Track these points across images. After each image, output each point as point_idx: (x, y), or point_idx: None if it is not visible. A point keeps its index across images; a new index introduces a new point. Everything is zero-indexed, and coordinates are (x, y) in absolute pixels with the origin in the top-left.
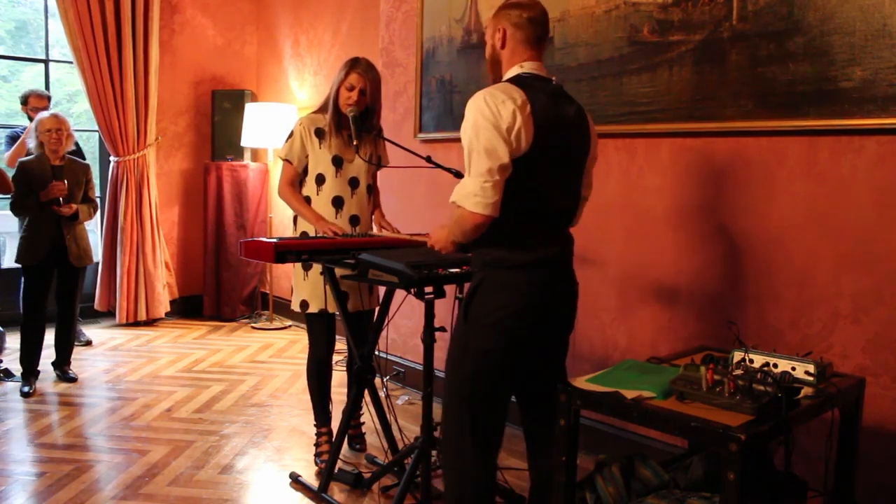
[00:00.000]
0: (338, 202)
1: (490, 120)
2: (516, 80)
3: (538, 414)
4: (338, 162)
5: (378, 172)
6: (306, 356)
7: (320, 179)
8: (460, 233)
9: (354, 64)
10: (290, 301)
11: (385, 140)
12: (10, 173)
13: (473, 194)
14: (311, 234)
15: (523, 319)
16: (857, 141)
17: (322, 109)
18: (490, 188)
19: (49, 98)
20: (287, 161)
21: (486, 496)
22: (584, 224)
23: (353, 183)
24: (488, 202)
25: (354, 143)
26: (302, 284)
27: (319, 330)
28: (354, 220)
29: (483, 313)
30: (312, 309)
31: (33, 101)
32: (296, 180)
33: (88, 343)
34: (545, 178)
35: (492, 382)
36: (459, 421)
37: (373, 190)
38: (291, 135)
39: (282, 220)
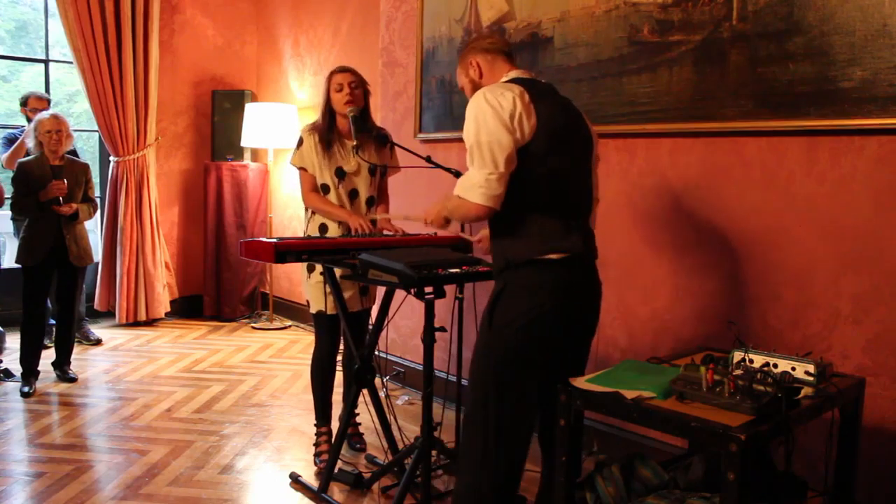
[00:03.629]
0: None
1: (491, 112)
2: (509, 81)
3: (553, 415)
4: (340, 174)
5: (389, 179)
6: (307, 356)
7: (325, 189)
8: (459, 217)
9: (332, 71)
10: (289, 301)
11: (395, 145)
12: (8, 175)
13: (478, 185)
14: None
15: (550, 323)
16: (857, 141)
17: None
18: (495, 181)
19: (49, 101)
20: (302, 169)
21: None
22: None
23: (353, 195)
24: (492, 194)
25: (355, 143)
26: (305, 284)
27: (323, 329)
28: (348, 230)
29: (509, 319)
30: (312, 310)
31: (33, 103)
32: (316, 185)
33: (98, 342)
34: (557, 167)
35: (519, 387)
36: (485, 426)
37: (374, 202)
38: (300, 142)
39: (281, 221)
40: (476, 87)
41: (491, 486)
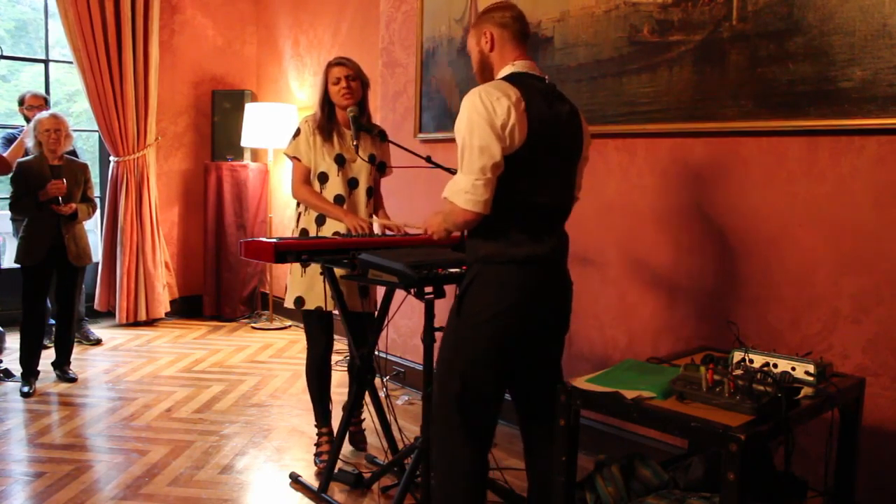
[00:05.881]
0: (339, 201)
1: (485, 117)
2: (510, 78)
3: (534, 413)
4: (340, 160)
5: (382, 180)
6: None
7: (323, 178)
8: (452, 225)
9: (330, 62)
10: None
11: (390, 143)
12: (8, 175)
13: (465, 191)
14: (312, 232)
15: (515, 316)
16: (857, 141)
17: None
18: (481, 186)
19: (46, 99)
20: (295, 158)
21: (478, 494)
22: (584, 224)
23: (353, 183)
24: (479, 200)
25: (354, 142)
26: (298, 281)
27: (317, 328)
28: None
29: (476, 310)
30: (309, 306)
31: (30, 101)
32: (309, 177)
33: (98, 342)
34: (539, 174)
35: (483, 379)
36: (450, 418)
37: (373, 193)
38: (298, 132)
39: (281, 220)
40: (483, 58)
41: (461, 479)
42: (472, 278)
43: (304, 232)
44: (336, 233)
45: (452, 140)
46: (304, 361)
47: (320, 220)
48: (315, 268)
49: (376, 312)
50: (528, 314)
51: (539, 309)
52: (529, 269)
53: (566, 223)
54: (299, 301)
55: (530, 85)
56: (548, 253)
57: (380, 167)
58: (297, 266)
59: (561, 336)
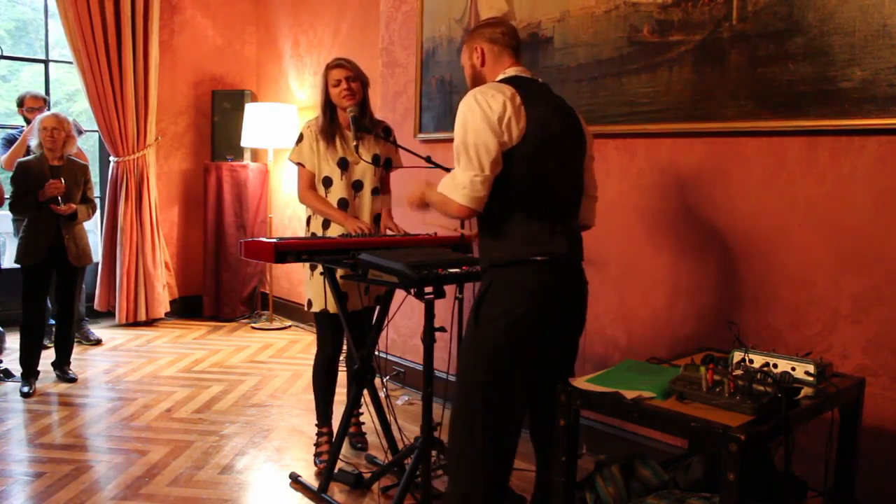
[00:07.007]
0: (342, 204)
1: (480, 114)
2: (504, 80)
3: (545, 414)
4: (343, 164)
5: (391, 174)
6: (307, 356)
7: (327, 182)
8: (442, 210)
9: (329, 64)
10: (289, 301)
11: (397, 146)
12: (8, 175)
13: (462, 186)
14: (320, 235)
15: (534, 322)
16: (857, 141)
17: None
18: (479, 183)
19: (45, 100)
20: (300, 165)
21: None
22: None
23: (357, 186)
24: (476, 196)
25: (354, 143)
26: (308, 283)
27: (326, 329)
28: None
29: (494, 316)
30: (315, 308)
31: (29, 103)
32: (314, 183)
33: (98, 342)
34: (544, 170)
35: (505, 385)
36: (471, 424)
37: (379, 193)
38: (301, 138)
39: (281, 220)
40: (475, 73)
41: (480, 486)
42: (487, 285)
43: (314, 236)
44: (342, 235)
45: (452, 140)
46: (304, 361)
47: (326, 224)
48: (319, 270)
49: (377, 309)
50: (546, 319)
51: (557, 313)
52: (544, 270)
53: (591, 225)
54: (309, 303)
55: (525, 84)
56: (562, 252)
57: (386, 164)
58: (307, 269)
59: (576, 338)
